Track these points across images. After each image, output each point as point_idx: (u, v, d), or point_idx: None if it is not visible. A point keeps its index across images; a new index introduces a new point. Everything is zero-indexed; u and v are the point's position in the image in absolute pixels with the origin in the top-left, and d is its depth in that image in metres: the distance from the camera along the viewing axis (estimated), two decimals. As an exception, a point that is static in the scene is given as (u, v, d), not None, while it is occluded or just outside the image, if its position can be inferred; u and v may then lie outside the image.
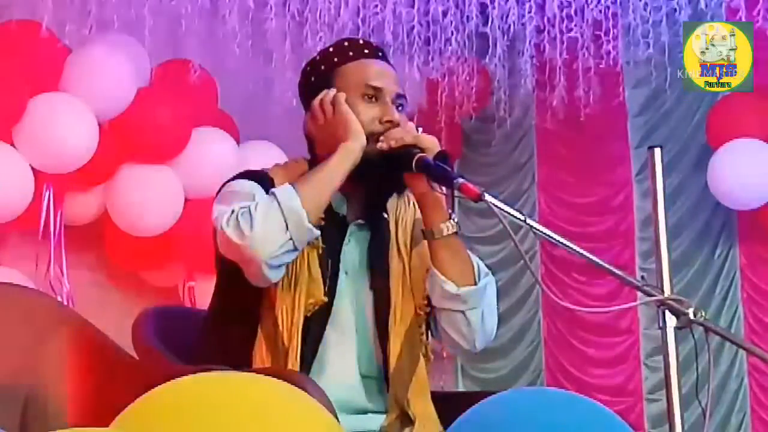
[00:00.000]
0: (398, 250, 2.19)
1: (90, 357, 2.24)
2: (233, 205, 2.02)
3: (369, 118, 2.14)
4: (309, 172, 2.10)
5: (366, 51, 2.23)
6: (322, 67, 2.22)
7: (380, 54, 2.25)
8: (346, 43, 2.26)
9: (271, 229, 1.97)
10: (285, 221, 1.98)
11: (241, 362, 2.04)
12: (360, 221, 2.19)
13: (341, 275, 2.14)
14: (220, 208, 2.06)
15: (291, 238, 1.98)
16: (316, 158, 2.19)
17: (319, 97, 2.15)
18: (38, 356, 2.19)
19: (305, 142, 2.27)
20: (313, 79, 2.23)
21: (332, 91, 2.15)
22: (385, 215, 2.22)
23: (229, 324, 2.14)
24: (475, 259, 2.18)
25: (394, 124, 2.14)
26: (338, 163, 2.07)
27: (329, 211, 2.12)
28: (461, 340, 2.18)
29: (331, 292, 2.11)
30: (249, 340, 2.09)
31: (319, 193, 2.05)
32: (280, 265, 2.02)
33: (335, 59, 2.21)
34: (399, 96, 2.19)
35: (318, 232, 2.03)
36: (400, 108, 2.19)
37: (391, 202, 2.23)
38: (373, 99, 2.16)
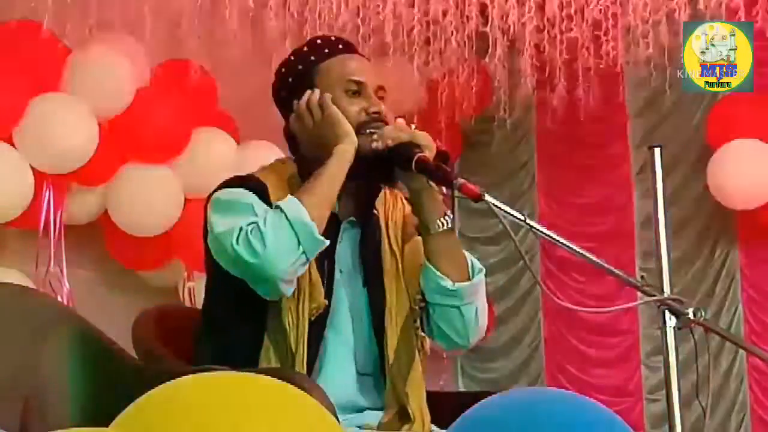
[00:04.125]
0: (390, 246, 2.20)
1: (90, 357, 2.24)
2: (238, 221, 2.00)
3: (354, 112, 2.15)
4: (309, 181, 2.09)
5: (341, 47, 2.24)
6: (300, 67, 2.22)
7: (353, 48, 2.27)
8: (319, 41, 2.28)
9: (284, 245, 1.97)
10: (297, 236, 1.98)
11: (244, 364, 2.04)
12: (351, 218, 2.19)
13: (337, 275, 2.14)
14: (221, 221, 2.04)
15: (303, 252, 1.99)
16: (302, 159, 2.19)
17: (305, 98, 2.15)
18: (38, 356, 2.18)
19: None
20: (290, 79, 2.22)
21: (316, 92, 2.15)
22: (375, 212, 2.22)
23: (229, 326, 2.14)
24: (468, 254, 2.19)
25: (381, 116, 2.15)
26: (336, 168, 2.08)
27: None
28: (455, 335, 2.19)
29: (328, 292, 2.11)
30: (250, 342, 2.09)
31: (324, 202, 2.05)
32: (293, 279, 2.03)
33: (312, 57, 2.22)
34: (380, 88, 2.20)
35: (327, 242, 2.04)
36: (382, 99, 2.20)
37: (380, 200, 2.24)
38: (357, 93, 2.17)
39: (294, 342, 2.05)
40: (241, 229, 1.99)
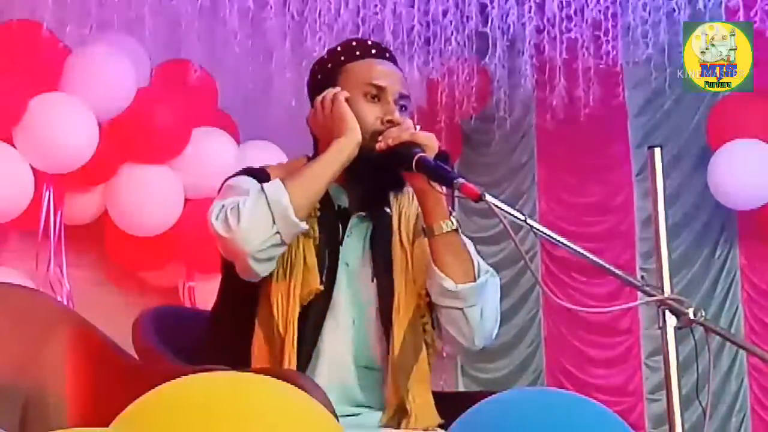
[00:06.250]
0: (401, 242, 2.20)
1: (90, 357, 2.24)
2: (226, 200, 2.04)
3: (371, 118, 2.15)
4: (301, 168, 2.12)
5: (373, 51, 2.25)
6: (329, 66, 2.24)
7: (387, 55, 2.26)
8: (354, 43, 2.29)
9: (257, 223, 1.99)
10: (272, 215, 2.00)
11: (242, 358, 2.05)
12: (362, 213, 2.20)
13: (341, 266, 2.14)
14: (215, 203, 2.08)
15: (278, 232, 2.00)
16: (317, 154, 2.20)
17: (322, 94, 2.17)
18: (38, 356, 2.19)
19: (305, 141, 2.29)
20: (319, 77, 2.25)
21: (335, 89, 2.16)
22: (388, 209, 2.22)
23: (230, 321, 2.15)
24: (475, 257, 2.19)
25: (394, 124, 2.15)
26: (330, 159, 2.10)
27: (329, 202, 2.14)
28: (461, 337, 2.18)
29: (330, 282, 2.11)
30: (249, 337, 2.10)
31: (308, 188, 2.06)
32: (268, 259, 2.03)
33: (342, 58, 2.23)
34: (402, 96, 2.20)
35: (306, 227, 2.05)
36: (403, 109, 2.20)
37: (394, 196, 2.24)
38: (376, 98, 2.18)
39: (283, 324, 2.06)
40: (223, 206, 2.03)
